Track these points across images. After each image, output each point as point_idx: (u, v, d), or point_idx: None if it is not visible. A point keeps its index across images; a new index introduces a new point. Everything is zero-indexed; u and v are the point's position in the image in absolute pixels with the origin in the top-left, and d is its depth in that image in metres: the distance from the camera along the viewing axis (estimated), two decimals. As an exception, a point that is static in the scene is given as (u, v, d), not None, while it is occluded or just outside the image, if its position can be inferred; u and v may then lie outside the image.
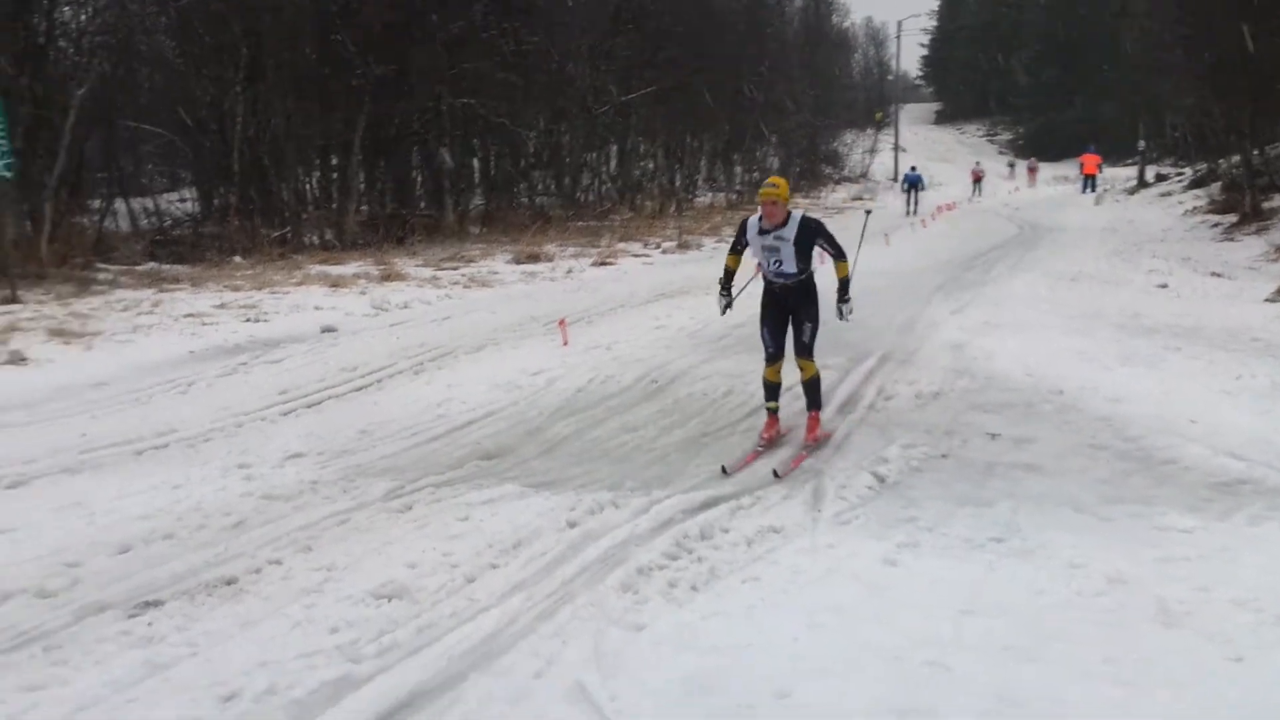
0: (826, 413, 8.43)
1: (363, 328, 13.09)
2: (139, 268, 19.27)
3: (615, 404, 8.96)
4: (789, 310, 7.99)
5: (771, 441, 7.77)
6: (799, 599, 4.88)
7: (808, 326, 7.91)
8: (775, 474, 6.92)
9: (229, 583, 5.16)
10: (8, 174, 15.37)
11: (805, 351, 7.88)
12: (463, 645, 4.44)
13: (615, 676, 4.11)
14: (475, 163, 30.97)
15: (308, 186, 26.25)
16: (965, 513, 6.07)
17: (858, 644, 4.40)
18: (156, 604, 4.92)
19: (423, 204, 28.52)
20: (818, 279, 8.10)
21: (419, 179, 29.33)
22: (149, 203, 25.85)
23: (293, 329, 12.89)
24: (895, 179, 61.45)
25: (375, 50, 24.13)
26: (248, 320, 13.42)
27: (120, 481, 6.81)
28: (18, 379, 10.27)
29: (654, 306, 14.48)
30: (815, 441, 7.71)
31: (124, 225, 23.94)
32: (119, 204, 24.26)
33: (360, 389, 9.72)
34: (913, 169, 42.44)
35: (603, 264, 20.95)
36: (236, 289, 15.84)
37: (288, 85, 23.61)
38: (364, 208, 26.02)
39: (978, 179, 47.39)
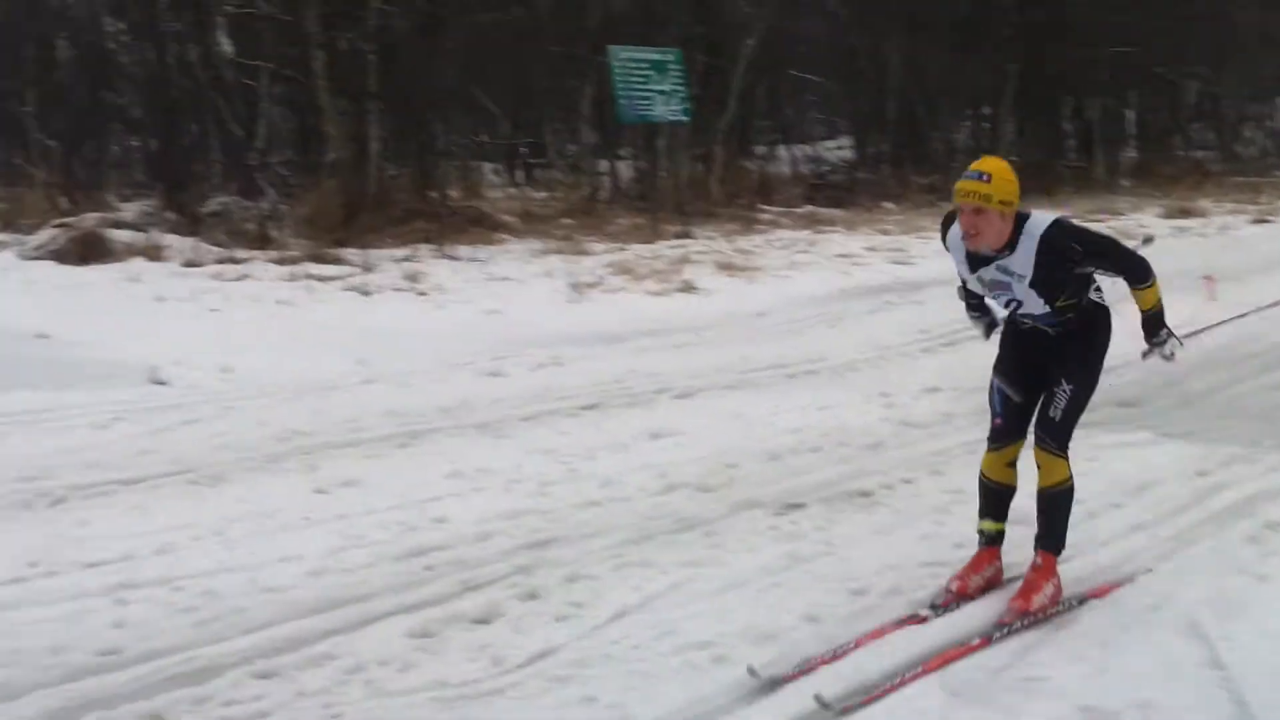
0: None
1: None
2: (797, 210, 20.49)
3: (1260, 363, 8.63)
4: (1039, 360, 4.54)
5: (966, 593, 4.41)
6: None
7: (1063, 393, 4.41)
8: (820, 702, 3.56)
9: (864, 494, 5.66)
10: (685, 118, 16.86)
11: (1052, 436, 4.42)
12: (1076, 573, 4.61)
13: (1233, 620, 4.13)
14: (1128, 114, 29.87)
15: (958, 136, 26.54)
16: None
17: None
18: (800, 506, 5.51)
19: (1072, 155, 27.98)
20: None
21: (1069, 129, 28.77)
22: (808, 149, 27.18)
23: (936, 272, 13.24)
24: None
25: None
26: (895, 263, 14.00)
27: (774, 399, 7.56)
28: (688, 305, 11.46)
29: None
30: (1030, 611, 4.21)
31: (784, 170, 25.36)
32: (781, 150, 25.70)
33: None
34: None
35: (1260, 221, 19.69)
36: (886, 233, 16.52)
37: (944, 34, 23.93)
38: (1014, 158, 25.93)
39: None
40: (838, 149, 28.64)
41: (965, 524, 5.11)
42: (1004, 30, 24.14)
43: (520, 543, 5.09)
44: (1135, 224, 18.48)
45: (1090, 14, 25.13)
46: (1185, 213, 20.14)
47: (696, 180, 20.82)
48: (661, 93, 16.36)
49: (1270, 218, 20.16)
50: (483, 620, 4.31)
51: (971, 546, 4.68)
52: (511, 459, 6.34)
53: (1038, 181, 23.98)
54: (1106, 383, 7.74)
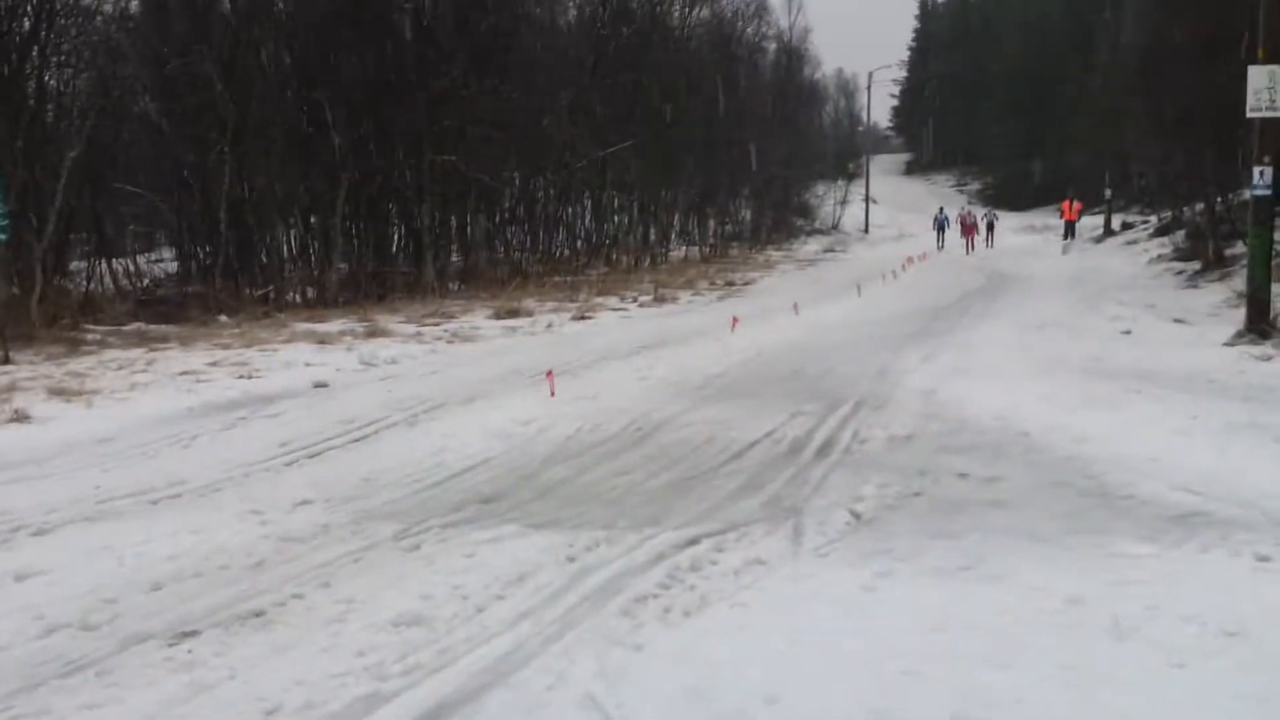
0: (804, 455, 8.91)
1: (354, 382, 13.52)
2: (125, 328, 19.68)
3: (604, 451, 9.40)
4: None
5: None
6: (784, 620, 5.33)
7: None
8: None
9: (258, 614, 5.57)
10: (3, 236, 15.78)
11: None
12: (479, 664, 4.86)
13: (620, 687, 4.55)
14: (453, 219, 31.50)
15: (287, 245, 26.72)
16: (937, 545, 6.50)
17: (838, 657, 4.86)
18: (194, 634, 5.33)
19: (402, 261, 29.01)
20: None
21: (398, 236, 29.83)
22: (134, 264, 26.27)
23: (286, 385, 13.31)
24: (865, 230, 62.36)
25: (357, 110, 24.68)
26: (241, 377, 13.84)
27: (142, 527, 7.21)
28: (25, 436, 10.67)
29: (635, 359, 14.93)
30: None
31: (109, 286, 24.34)
32: (103, 265, 24.66)
33: (358, 440, 10.12)
34: (941, 210, 44.69)
35: (582, 318, 21.45)
36: (226, 347, 16.27)
37: (271, 146, 24.11)
38: (344, 265, 26.50)
39: (969, 227, 47.13)
40: (166, 262, 27.94)
41: (362, 632, 5.24)
42: (335, 140, 24.67)
43: None
44: (469, 326, 19.49)
45: (411, 125, 26.39)
46: (513, 313, 21.48)
47: (15, 302, 19.51)
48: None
49: (590, 315, 21.97)
50: None
51: (371, 652, 4.87)
52: None
53: (369, 290, 24.71)
54: (467, 483, 8.28)
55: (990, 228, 48.81)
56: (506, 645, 5.08)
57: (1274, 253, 15.25)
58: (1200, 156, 27.06)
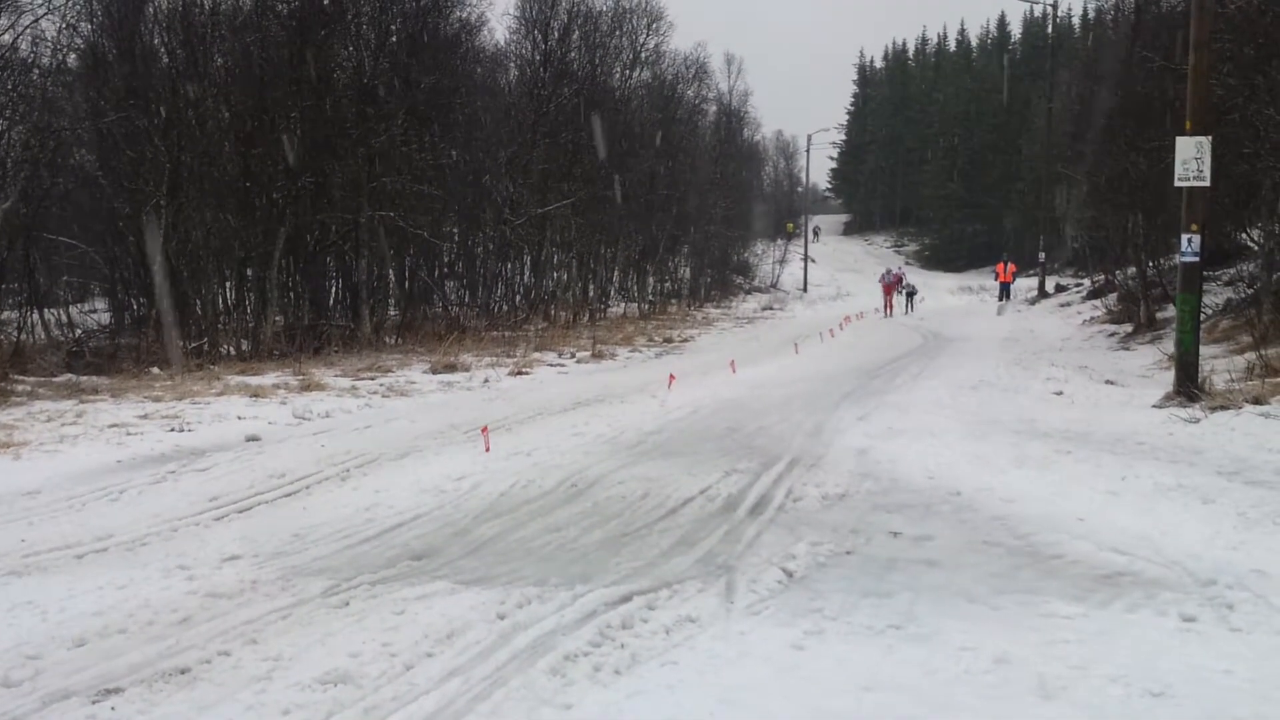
0: (738, 513, 8.95)
1: (286, 436, 13.40)
2: (56, 379, 19.39)
3: (537, 507, 9.37)
4: None
5: None
6: (714, 679, 5.34)
7: None
8: None
9: (183, 671, 5.50)
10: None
11: None
12: (404, 725, 4.84)
13: (546, 748, 4.53)
14: (391, 273, 31.46)
15: (221, 298, 26.53)
16: (867, 603, 6.54)
17: (768, 716, 4.87)
18: (118, 691, 5.26)
19: (338, 314, 28.89)
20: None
21: (335, 289, 29.72)
22: (64, 314, 25.96)
23: (217, 438, 13.17)
24: (804, 289, 62.91)
25: (296, 164, 24.63)
26: (172, 430, 13.69)
27: (66, 582, 7.11)
28: (-50, 488, 10.48)
29: (571, 415, 14.97)
30: None
31: (39, 337, 24.01)
32: (34, 315, 24.35)
33: (289, 495, 10.04)
34: (888, 270, 45.22)
35: (519, 373, 21.43)
36: (158, 399, 16.09)
37: (208, 198, 24.00)
38: (279, 318, 26.33)
39: (888, 288, 46.51)
40: (99, 313, 27.65)
41: (288, 690, 5.19)
42: (273, 194, 24.60)
43: None
44: (405, 380, 19.41)
45: (350, 180, 26.40)
46: (450, 368, 21.41)
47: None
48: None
49: (527, 370, 21.95)
50: None
51: (297, 710, 4.83)
52: None
53: (304, 343, 24.54)
54: (399, 539, 8.23)
55: (910, 296, 47.94)
56: (434, 704, 5.05)
57: (1202, 317, 15.52)
58: (1131, 221, 27.62)
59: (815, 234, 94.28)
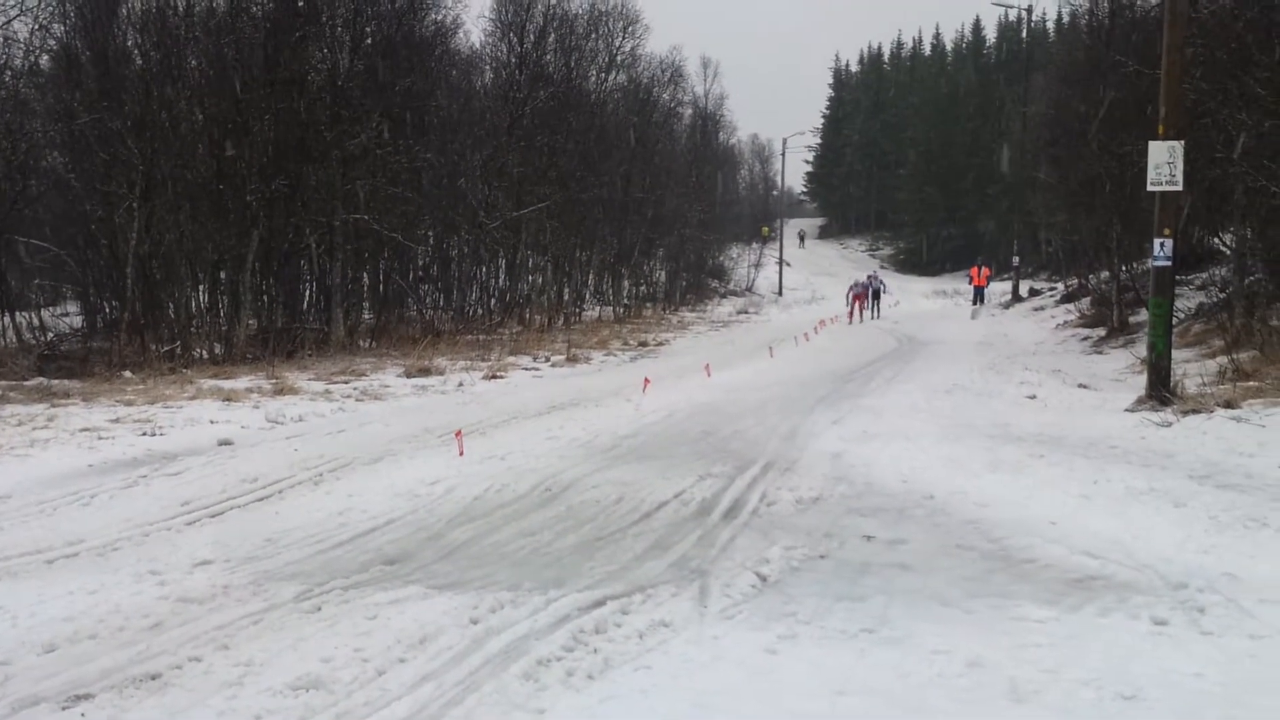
0: (712, 517, 8.95)
1: (259, 440, 13.34)
2: (27, 383, 19.26)
3: (511, 511, 9.36)
4: None
5: None
6: (688, 683, 5.34)
7: None
8: None
9: (154, 677, 5.47)
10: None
11: None
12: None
13: (523, 752, 4.52)
14: (365, 276, 31.35)
15: (194, 301, 26.39)
16: (841, 607, 6.55)
17: (741, 720, 4.88)
18: (88, 697, 5.23)
19: (312, 317, 28.77)
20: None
21: (309, 292, 29.61)
22: (33, 317, 25.79)
23: (190, 442, 13.10)
24: (779, 293, 63.03)
25: (270, 167, 24.54)
26: (144, 434, 13.60)
27: (36, 587, 7.06)
28: (-82, 493, 10.40)
29: (546, 418, 14.96)
30: None
31: (10, 340, 23.86)
32: (4, 319, 24.20)
33: (262, 499, 9.99)
34: (858, 281, 44.81)
35: (494, 377, 21.39)
36: (130, 404, 16.00)
37: (182, 201, 23.88)
38: (252, 321, 26.21)
39: (858, 296, 44.98)
40: (71, 316, 27.49)
41: (259, 695, 5.17)
42: (246, 197, 24.49)
43: None
44: (379, 384, 19.35)
45: (324, 183, 26.32)
46: (424, 371, 21.36)
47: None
48: None
49: (502, 374, 21.91)
50: None
51: (268, 716, 4.81)
52: None
53: (278, 347, 24.44)
54: (372, 543, 8.20)
55: (876, 295, 46.02)
56: (407, 709, 5.03)
57: (1174, 321, 15.60)
58: (1105, 226, 27.75)
59: (800, 239, 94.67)
